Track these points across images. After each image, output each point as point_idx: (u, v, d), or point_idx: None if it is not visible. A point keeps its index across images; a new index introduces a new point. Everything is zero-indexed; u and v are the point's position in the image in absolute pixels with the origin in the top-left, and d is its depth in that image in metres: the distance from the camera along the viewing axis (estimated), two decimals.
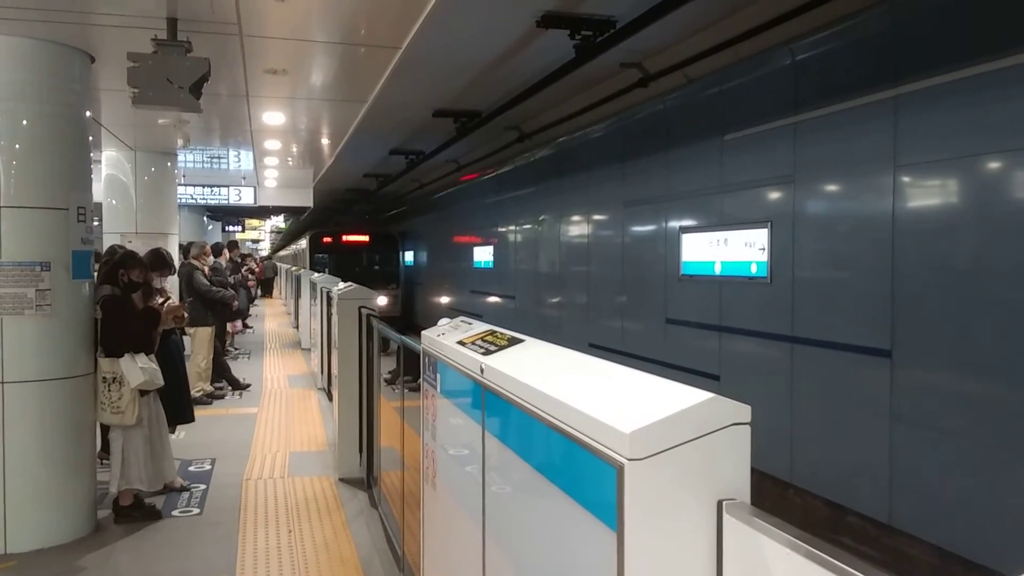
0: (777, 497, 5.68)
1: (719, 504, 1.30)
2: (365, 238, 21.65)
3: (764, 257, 5.99)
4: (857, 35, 5.21)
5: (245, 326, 15.84)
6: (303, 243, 23.13)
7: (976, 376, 4.39)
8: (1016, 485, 4.10)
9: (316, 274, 13.02)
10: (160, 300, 5.51)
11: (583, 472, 1.47)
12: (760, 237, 6.04)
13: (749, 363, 6.29)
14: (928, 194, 4.80)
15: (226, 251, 12.10)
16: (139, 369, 4.78)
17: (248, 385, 9.68)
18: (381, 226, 23.65)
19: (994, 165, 4.35)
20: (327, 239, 21.44)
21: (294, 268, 22.87)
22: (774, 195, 6.00)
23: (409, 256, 21.80)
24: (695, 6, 4.93)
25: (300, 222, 30.29)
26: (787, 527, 1.15)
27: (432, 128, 9.20)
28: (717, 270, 6.59)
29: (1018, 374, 4.11)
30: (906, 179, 4.81)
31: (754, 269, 6.11)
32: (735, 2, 5.52)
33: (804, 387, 5.62)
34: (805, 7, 5.05)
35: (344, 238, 21.46)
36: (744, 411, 1.32)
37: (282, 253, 39.33)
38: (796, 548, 1.10)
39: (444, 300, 16.91)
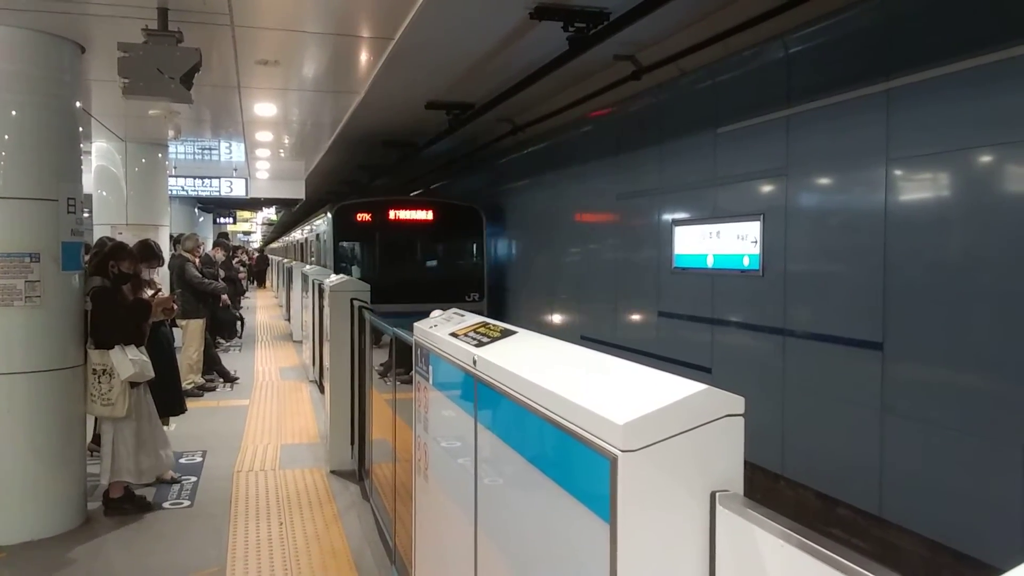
0: (768, 489, 5.70)
1: (712, 495, 1.29)
2: (428, 215, 12.58)
3: (756, 250, 6.00)
4: (849, 28, 5.21)
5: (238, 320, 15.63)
6: (321, 225, 13.94)
7: (967, 368, 4.41)
8: (1004, 476, 4.12)
9: (308, 267, 12.61)
10: (150, 292, 5.49)
11: (576, 464, 1.46)
12: (752, 230, 6.04)
13: (741, 355, 6.30)
14: (920, 187, 4.81)
15: (218, 249, 12.09)
16: (129, 361, 4.76)
17: (237, 378, 9.65)
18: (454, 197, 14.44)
19: (986, 159, 4.36)
20: (363, 215, 12.39)
21: (287, 261, 21.22)
22: (767, 188, 6.00)
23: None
24: None
25: (293, 214, 27.22)
26: (780, 518, 1.15)
27: (425, 120, 9.18)
28: (709, 263, 6.59)
29: (1010, 366, 4.13)
30: (898, 172, 4.82)
31: (746, 262, 6.11)
32: None
33: (796, 379, 5.64)
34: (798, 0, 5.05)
35: (392, 214, 12.36)
36: (738, 402, 1.32)
37: (276, 245, 35.19)
38: (789, 539, 1.10)
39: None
